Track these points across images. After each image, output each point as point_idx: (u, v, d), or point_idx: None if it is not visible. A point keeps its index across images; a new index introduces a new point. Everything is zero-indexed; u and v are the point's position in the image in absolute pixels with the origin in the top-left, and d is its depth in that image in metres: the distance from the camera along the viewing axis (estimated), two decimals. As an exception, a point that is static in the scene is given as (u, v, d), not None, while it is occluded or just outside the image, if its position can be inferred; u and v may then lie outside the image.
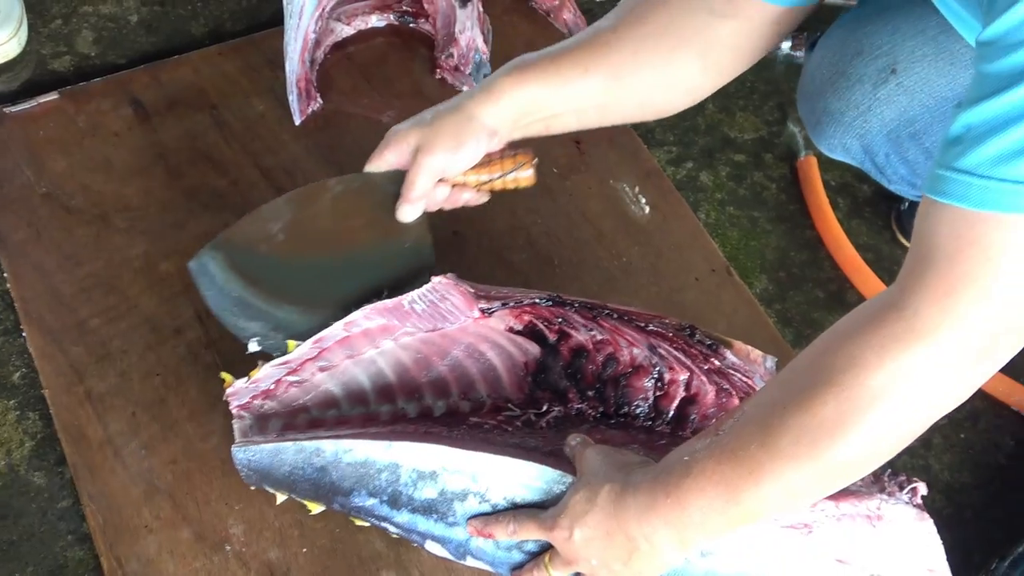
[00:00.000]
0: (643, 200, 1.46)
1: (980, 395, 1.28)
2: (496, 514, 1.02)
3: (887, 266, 1.49)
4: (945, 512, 1.29)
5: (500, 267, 1.37)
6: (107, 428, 1.19)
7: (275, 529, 1.14)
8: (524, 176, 1.13)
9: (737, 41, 1.07)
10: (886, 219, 1.54)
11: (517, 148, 1.13)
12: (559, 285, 1.35)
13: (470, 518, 1.03)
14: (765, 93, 1.67)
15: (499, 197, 1.41)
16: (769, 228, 1.52)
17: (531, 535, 1.00)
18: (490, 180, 1.12)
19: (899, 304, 0.81)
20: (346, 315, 1.08)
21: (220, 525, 1.14)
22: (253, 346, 1.11)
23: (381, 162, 1.10)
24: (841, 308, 1.45)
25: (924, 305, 0.79)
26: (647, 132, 1.59)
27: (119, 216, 1.36)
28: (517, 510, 1.01)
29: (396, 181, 1.09)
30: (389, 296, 1.07)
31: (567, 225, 1.42)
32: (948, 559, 1.06)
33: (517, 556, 1.04)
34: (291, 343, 1.09)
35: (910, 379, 0.81)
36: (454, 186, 1.12)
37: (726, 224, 1.52)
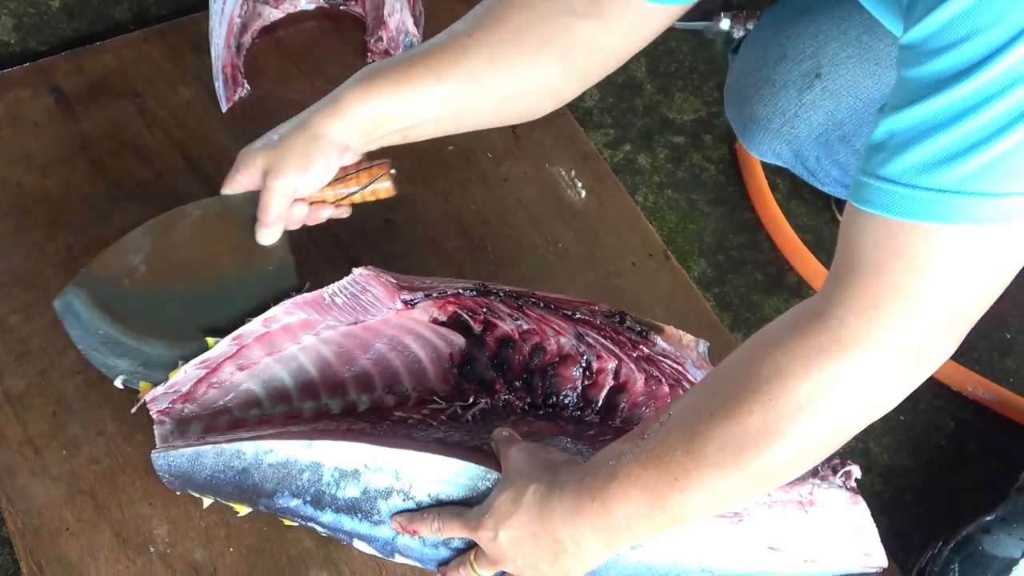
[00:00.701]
0: (579, 184, 1.44)
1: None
2: (421, 511, 1.00)
3: (827, 247, 1.48)
4: (884, 495, 1.29)
5: (433, 255, 1.35)
6: (27, 428, 1.16)
7: (200, 529, 1.11)
8: (382, 188, 1.10)
9: (601, 42, 1.02)
10: (825, 200, 1.53)
11: (375, 159, 1.10)
12: (494, 273, 1.33)
13: (394, 514, 1.01)
14: (704, 73, 1.65)
15: (432, 183, 1.40)
16: (708, 211, 1.51)
17: (456, 534, 0.98)
18: (348, 195, 1.09)
19: (825, 314, 0.80)
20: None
21: (144, 526, 1.11)
22: (119, 383, 1.09)
23: (235, 185, 1.07)
24: (780, 291, 1.44)
25: (850, 316, 0.78)
26: (584, 114, 1.57)
27: (39, 209, 1.32)
28: (442, 507, 1.00)
29: (254, 202, 1.07)
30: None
31: (502, 211, 1.40)
32: (887, 542, 1.06)
33: (444, 553, 1.02)
34: (210, 340, 1.07)
35: (836, 390, 0.80)
36: (312, 203, 1.09)
37: (664, 207, 1.50)
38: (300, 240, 1.12)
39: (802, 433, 0.81)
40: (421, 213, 1.38)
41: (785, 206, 1.51)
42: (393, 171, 1.09)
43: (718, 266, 1.46)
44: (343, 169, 1.07)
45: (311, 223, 1.11)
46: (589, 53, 1.03)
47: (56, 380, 1.19)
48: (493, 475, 0.99)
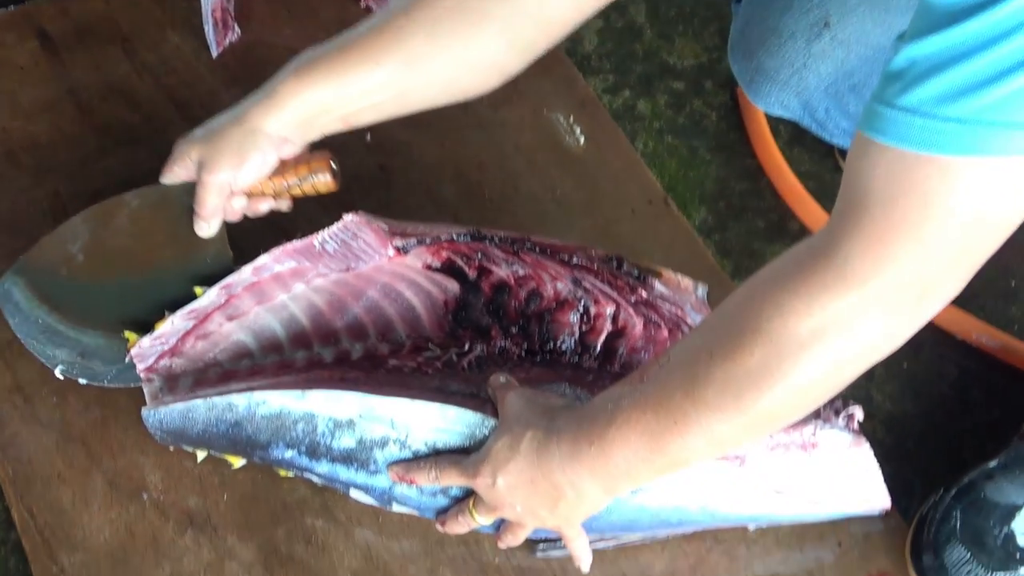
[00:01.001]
0: (578, 130, 1.41)
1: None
2: (418, 460, 0.99)
3: (830, 194, 1.45)
4: (886, 442, 1.27)
5: (429, 202, 1.32)
6: (16, 375, 1.15)
7: (194, 476, 1.10)
8: (321, 181, 1.07)
9: (546, 11, 0.98)
10: (828, 147, 1.50)
11: (316, 150, 1.07)
12: (491, 219, 1.31)
13: (391, 464, 0.99)
14: (705, 18, 1.62)
15: (428, 128, 1.37)
16: (708, 157, 1.48)
17: (453, 481, 0.97)
18: (286, 187, 1.07)
19: (829, 251, 0.77)
20: None
21: (136, 473, 1.10)
22: (58, 373, 1.08)
23: (172, 176, 1.06)
24: (782, 238, 1.42)
25: (855, 253, 0.75)
26: (583, 59, 1.54)
27: (26, 154, 1.30)
28: (439, 456, 0.98)
29: (192, 193, 1.05)
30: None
31: (499, 157, 1.37)
32: (889, 490, 1.05)
33: (443, 501, 1.01)
34: (198, 289, 1.05)
35: (840, 328, 0.77)
36: (252, 196, 1.07)
37: (664, 154, 1.48)
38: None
39: (803, 372, 0.79)
40: (417, 158, 1.35)
41: (787, 153, 1.48)
42: (334, 165, 1.07)
43: (719, 213, 1.44)
44: (282, 161, 1.05)
45: (251, 215, 1.09)
46: (533, 23, 0.98)
47: (45, 328, 1.18)
48: (491, 422, 0.97)
